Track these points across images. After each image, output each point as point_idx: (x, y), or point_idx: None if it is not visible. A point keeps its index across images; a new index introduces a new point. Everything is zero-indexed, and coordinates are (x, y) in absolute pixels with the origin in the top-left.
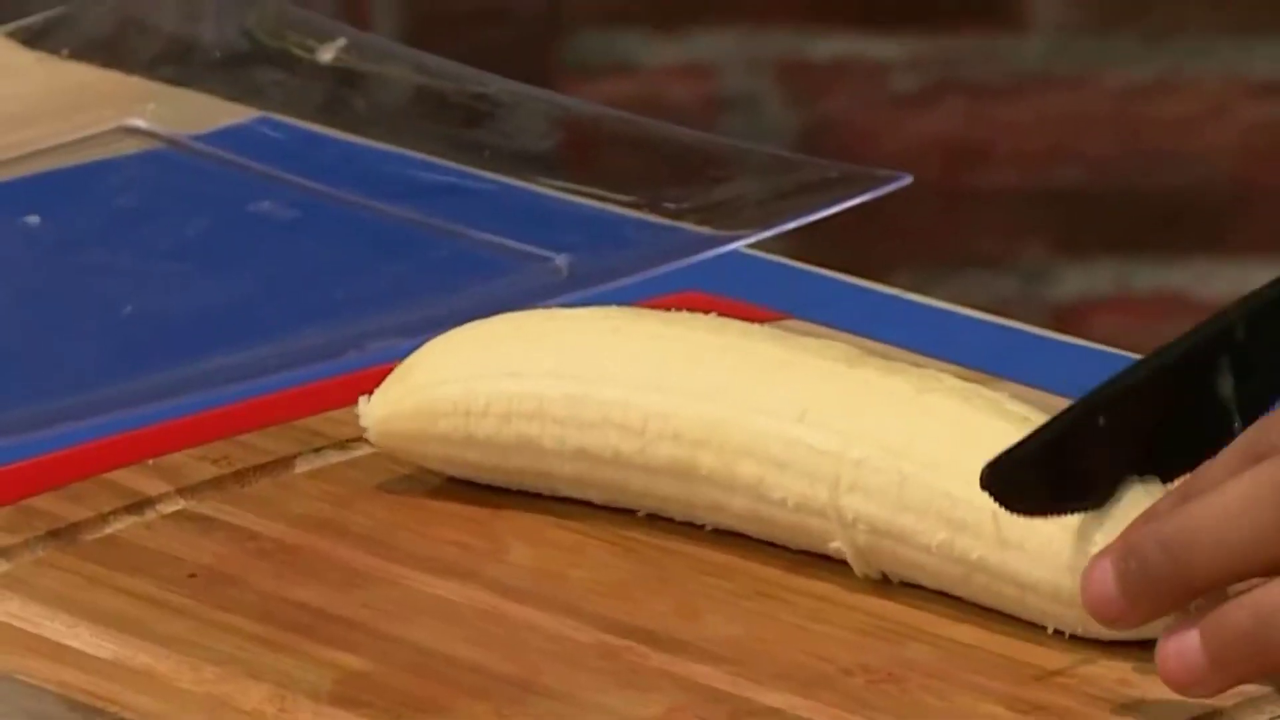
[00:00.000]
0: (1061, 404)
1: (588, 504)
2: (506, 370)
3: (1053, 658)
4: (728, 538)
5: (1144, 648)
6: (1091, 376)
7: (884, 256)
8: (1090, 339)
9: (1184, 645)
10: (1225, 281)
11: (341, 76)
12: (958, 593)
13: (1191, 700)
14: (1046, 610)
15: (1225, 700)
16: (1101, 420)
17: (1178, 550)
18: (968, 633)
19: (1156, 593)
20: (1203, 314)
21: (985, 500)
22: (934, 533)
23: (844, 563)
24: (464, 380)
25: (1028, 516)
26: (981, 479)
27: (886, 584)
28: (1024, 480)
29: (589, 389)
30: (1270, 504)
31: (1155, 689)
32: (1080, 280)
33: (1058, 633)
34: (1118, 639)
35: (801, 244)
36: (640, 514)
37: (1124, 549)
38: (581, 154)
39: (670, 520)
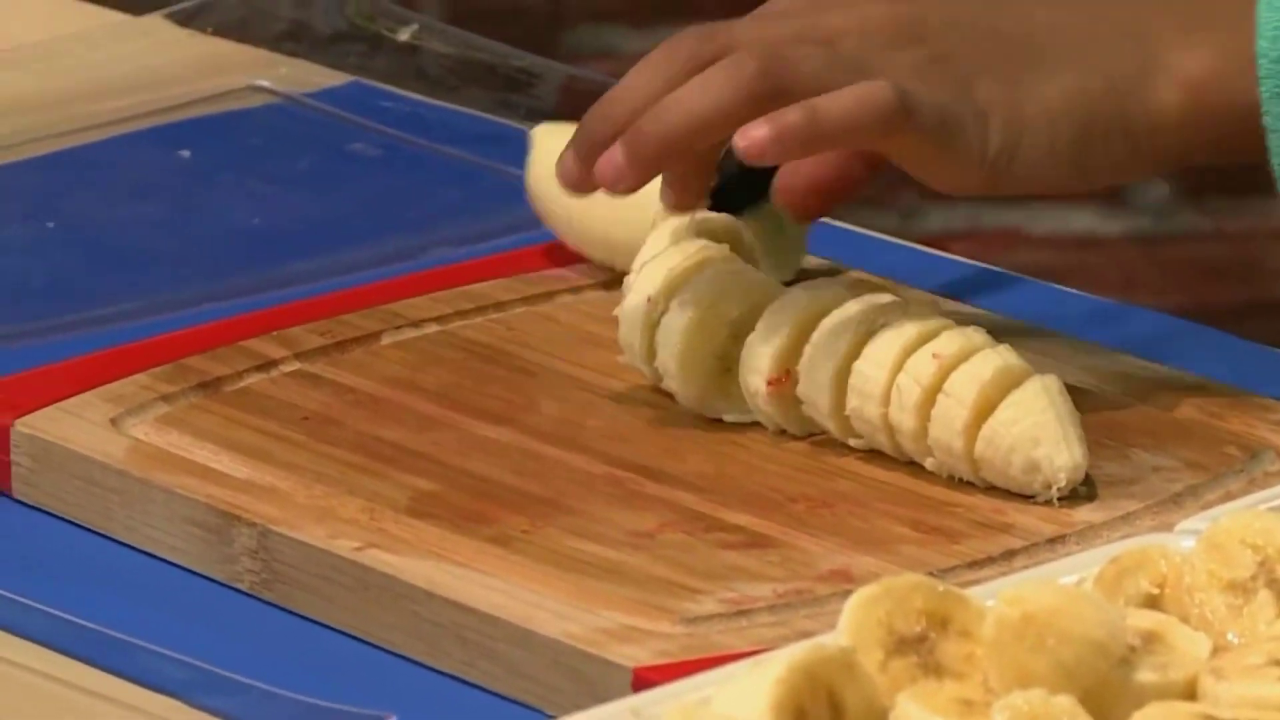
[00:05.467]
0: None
1: (602, 373)
2: None
3: (942, 492)
4: None
5: (1009, 494)
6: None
7: None
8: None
9: (610, 155)
10: (1051, 219)
11: (415, 51)
12: None
13: (1048, 525)
14: None
15: (1072, 527)
16: None
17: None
18: (880, 472)
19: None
20: (1034, 245)
21: None
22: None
23: None
24: None
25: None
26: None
27: (817, 436)
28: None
29: None
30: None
31: (1021, 516)
32: (942, 218)
33: (954, 479)
34: (994, 486)
35: None
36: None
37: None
38: None
39: (659, 389)
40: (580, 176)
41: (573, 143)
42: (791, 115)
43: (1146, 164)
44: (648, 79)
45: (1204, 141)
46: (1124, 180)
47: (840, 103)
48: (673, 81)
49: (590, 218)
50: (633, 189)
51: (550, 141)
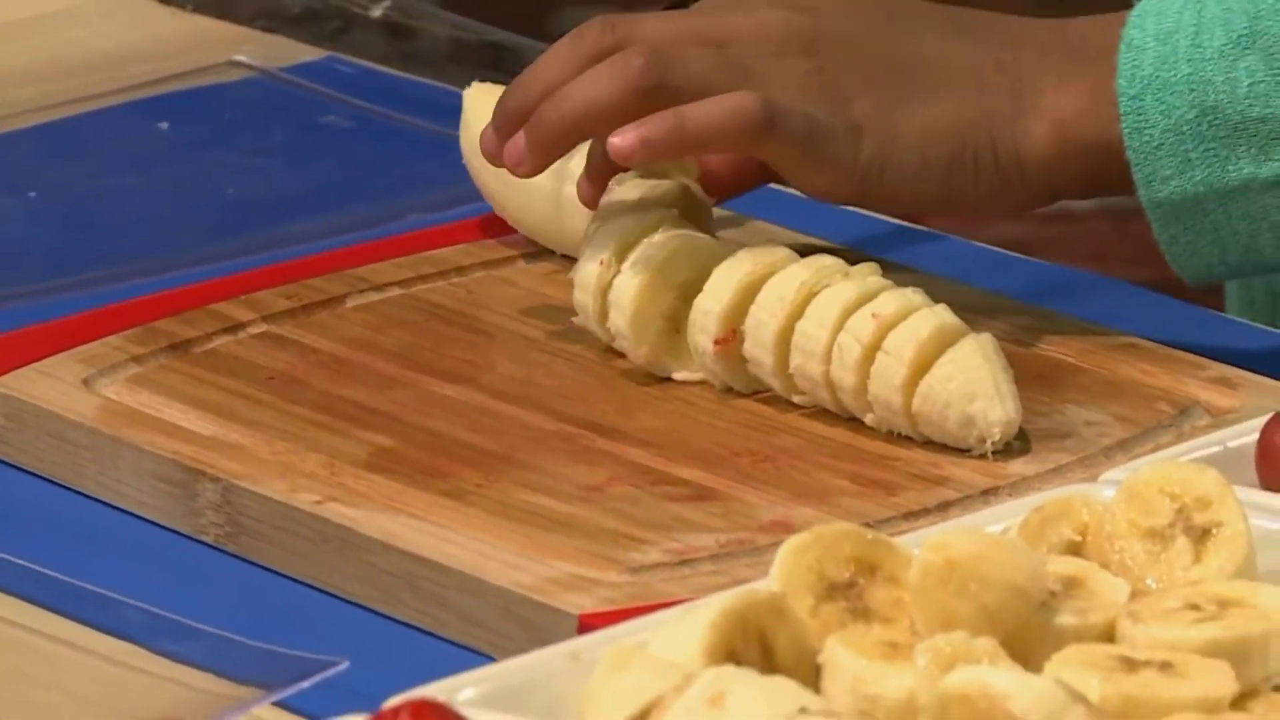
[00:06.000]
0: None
1: (557, 334)
2: None
3: (881, 447)
4: None
5: (945, 448)
6: (926, 253)
7: None
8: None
9: (515, 140)
10: None
11: (388, 27)
12: None
13: (982, 477)
14: None
15: (1005, 479)
16: None
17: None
18: (821, 428)
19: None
20: (1009, 218)
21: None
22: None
23: None
24: None
25: None
26: None
27: (762, 393)
28: None
29: None
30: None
31: (956, 469)
32: None
33: (893, 433)
34: (931, 441)
35: None
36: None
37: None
38: None
39: (612, 349)
40: (498, 151)
41: (492, 119)
42: (660, 122)
43: (1016, 196)
44: (555, 63)
45: (1071, 178)
46: (996, 212)
47: (707, 111)
48: (577, 68)
49: (503, 183)
50: (535, 171)
51: (479, 106)
